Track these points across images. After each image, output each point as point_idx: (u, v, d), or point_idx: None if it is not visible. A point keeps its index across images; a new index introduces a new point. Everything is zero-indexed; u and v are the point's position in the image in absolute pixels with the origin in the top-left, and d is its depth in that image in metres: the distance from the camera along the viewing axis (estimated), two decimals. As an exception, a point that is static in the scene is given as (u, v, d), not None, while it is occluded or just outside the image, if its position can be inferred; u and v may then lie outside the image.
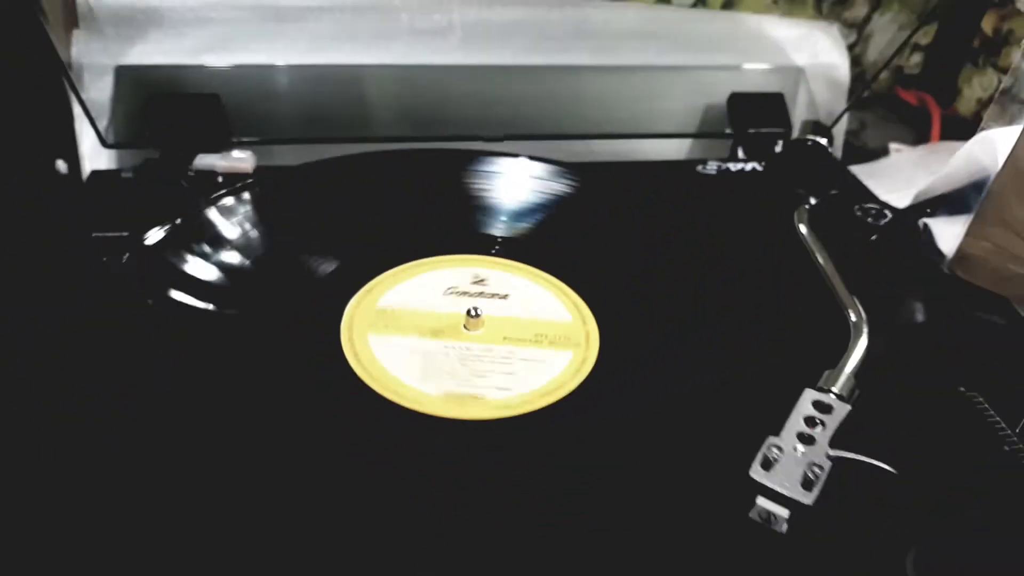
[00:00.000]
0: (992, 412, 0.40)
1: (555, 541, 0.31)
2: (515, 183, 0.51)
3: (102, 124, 0.53)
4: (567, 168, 0.52)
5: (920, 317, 0.47)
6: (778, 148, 0.61)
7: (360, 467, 0.33)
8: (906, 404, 0.39)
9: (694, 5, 0.65)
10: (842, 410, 0.34)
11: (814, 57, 0.65)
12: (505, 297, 0.43)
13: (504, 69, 0.60)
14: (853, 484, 0.33)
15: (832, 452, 0.32)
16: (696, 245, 0.49)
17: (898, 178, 0.65)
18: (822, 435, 0.33)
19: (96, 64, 0.54)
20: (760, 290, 0.45)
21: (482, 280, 0.44)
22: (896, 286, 0.48)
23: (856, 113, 0.76)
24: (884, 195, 0.57)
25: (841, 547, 0.32)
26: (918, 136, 0.73)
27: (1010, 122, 0.45)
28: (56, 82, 0.58)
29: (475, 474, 0.34)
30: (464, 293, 0.43)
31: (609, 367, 0.39)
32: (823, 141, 0.56)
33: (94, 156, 0.54)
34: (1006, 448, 0.38)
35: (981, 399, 0.41)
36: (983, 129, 0.47)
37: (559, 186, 0.51)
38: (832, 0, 0.75)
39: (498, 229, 0.49)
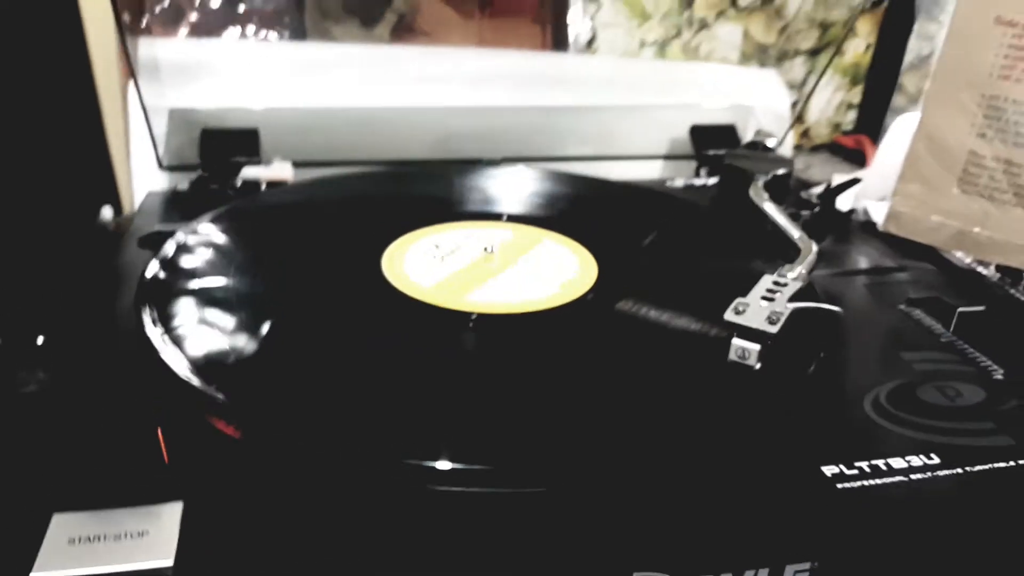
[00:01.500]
0: (930, 320, 0.48)
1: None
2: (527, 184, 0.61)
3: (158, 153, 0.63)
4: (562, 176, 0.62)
5: (862, 264, 0.56)
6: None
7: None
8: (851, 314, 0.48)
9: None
10: (796, 284, 0.42)
11: (760, 96, 0.76)
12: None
13: (496, 109, 0.71)
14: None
15: (790, 304, 0.40)
16: (680, 228, 0.58)
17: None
18: (780, 296, 0.41)
19: (154, 106, 0.64)
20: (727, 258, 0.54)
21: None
22: (837, 242, 0.57)
23: (803, 157, 0.88)
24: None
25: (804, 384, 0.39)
26: (856, 171, 0.84)
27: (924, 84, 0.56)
28: (97, 133, 0.68)
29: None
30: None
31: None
32: (771, 142, 0.66)
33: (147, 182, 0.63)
34: (942, 340, 0.46)
35: (919, 312, 0.49)
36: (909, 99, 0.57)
37: (558, 187, 0.61)
38: (772, 64, 0.88)
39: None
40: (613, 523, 0.32)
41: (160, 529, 0.31)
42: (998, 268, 0.53)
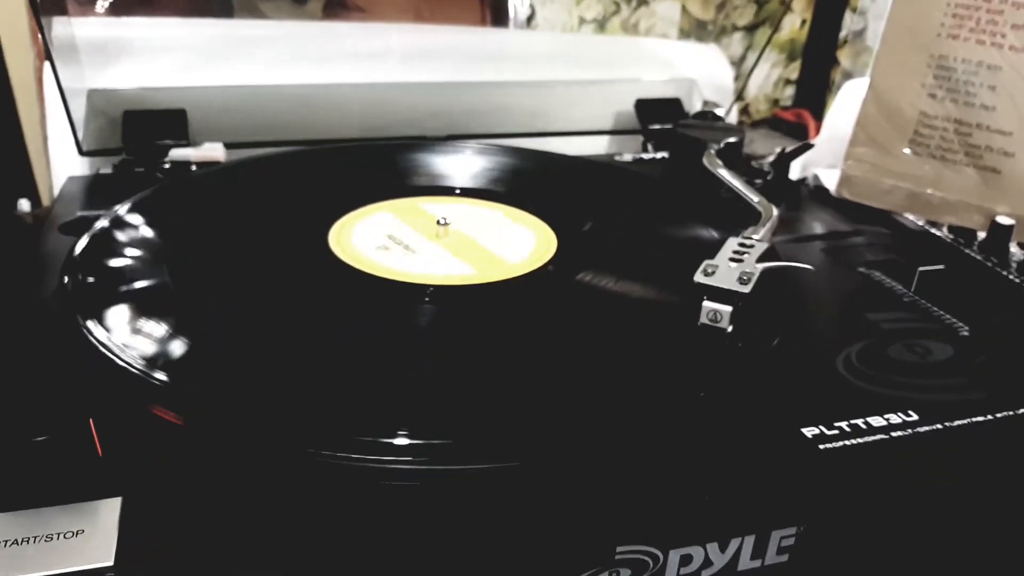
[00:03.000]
0: (890, 282, 0.48)
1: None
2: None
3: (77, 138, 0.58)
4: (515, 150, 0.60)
5: (817, 229, 0.55)
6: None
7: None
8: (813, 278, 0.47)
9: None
10: (762, 246, 0.41)
11: (702, 70, 0.76)
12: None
13: (438, 85, 0.68)
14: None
15: (759, 264, 0.39)
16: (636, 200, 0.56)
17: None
18: (748, 257, 0.40)
19: (71, 88, 0.59)
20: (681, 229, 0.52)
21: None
22: (789, 209, 0.56)
23: (746, 132, 0.87)
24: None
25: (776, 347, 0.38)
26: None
27: (859, 61, 0.55)
28: (11, 123, 0.63)
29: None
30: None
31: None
32: (719, 111, 0.65)
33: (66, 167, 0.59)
34: (904, 300, 0.46)
35: (879, 273, 0.49)
36: (843, 74, 0.57)
37: (511, 161, 0.59)
38: (711, 40, 0.88)
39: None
40: (594, 498, 0.30)
41: (97, 527, 0.28)
42: (951, 229, 0.53)
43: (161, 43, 0.62)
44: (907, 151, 0.54)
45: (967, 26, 0.51)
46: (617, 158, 0.67)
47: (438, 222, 0.46)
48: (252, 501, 0.30)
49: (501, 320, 0.40)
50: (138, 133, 0.59)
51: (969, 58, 0.51)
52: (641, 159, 0.68)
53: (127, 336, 0.35)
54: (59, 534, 0.28)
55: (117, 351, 0.34)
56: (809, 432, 0.34)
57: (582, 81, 0.72)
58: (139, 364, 0.33)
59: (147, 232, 0.45)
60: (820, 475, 0.32)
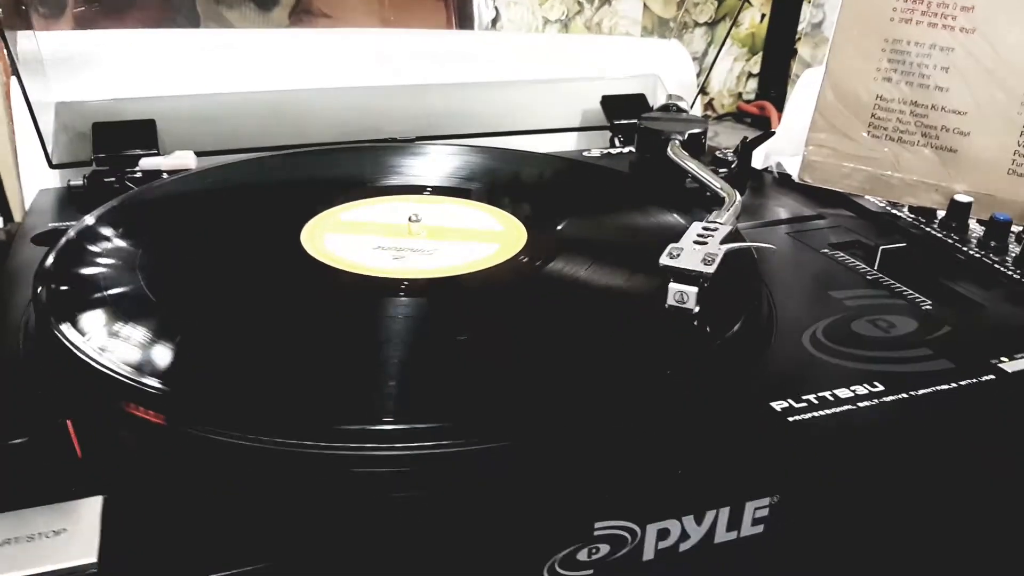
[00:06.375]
0: (854, 261, 0.49)
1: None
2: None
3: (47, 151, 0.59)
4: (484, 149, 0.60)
5: (781, 214, 0.56)
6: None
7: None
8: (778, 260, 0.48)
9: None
10: (725, 228, 0.42)
11: (665, 65, 0.77)
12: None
13: (405, 88, 0.69)
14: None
15: (723, 245, 0.40)
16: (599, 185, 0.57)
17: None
18: (712, 239, 0.40)
19: (39, 102, 0.60)
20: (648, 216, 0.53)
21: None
22: (754, 196, 0.57)
23: (710, 126, 0.88)
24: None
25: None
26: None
27: (818, 52, 0.56)
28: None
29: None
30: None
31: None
32: (683, 104, 0.66)
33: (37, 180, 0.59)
34: (868, 278, 0.47)
35: (842, 254, 0.50)
36: (803, 65, 0.58)
37: (479, 160, 0.60)
38: (673, 36, 0.89)
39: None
40: (571, 476, 0.31)
41: (79, 526, 0.28)
42: (911, 209, 0.55)
43: (128, 54, 0.62)
44: (865, 135, 0.55)
45: (919, 9, 0.52)
46: (585, 154, 0.68)
47: (409, 219, 0.46)
48: (235, 496, 0.30)
49: (473, 311, 0.41)
50: (108, 144, 0.59)
51: (922, 41, 0.52)
52: (609, 154, 0.69)
53: (100, 338, 0.35)
54: (41, 534, 0.28)
55: (91, 353, 0.34)
56: (778, 406, 0.35)
57: (548, 80, 0.73)
58: (114, 365, 0.33)
59: (117, 237, 0.45)
60: (790, 446, 0.33)
